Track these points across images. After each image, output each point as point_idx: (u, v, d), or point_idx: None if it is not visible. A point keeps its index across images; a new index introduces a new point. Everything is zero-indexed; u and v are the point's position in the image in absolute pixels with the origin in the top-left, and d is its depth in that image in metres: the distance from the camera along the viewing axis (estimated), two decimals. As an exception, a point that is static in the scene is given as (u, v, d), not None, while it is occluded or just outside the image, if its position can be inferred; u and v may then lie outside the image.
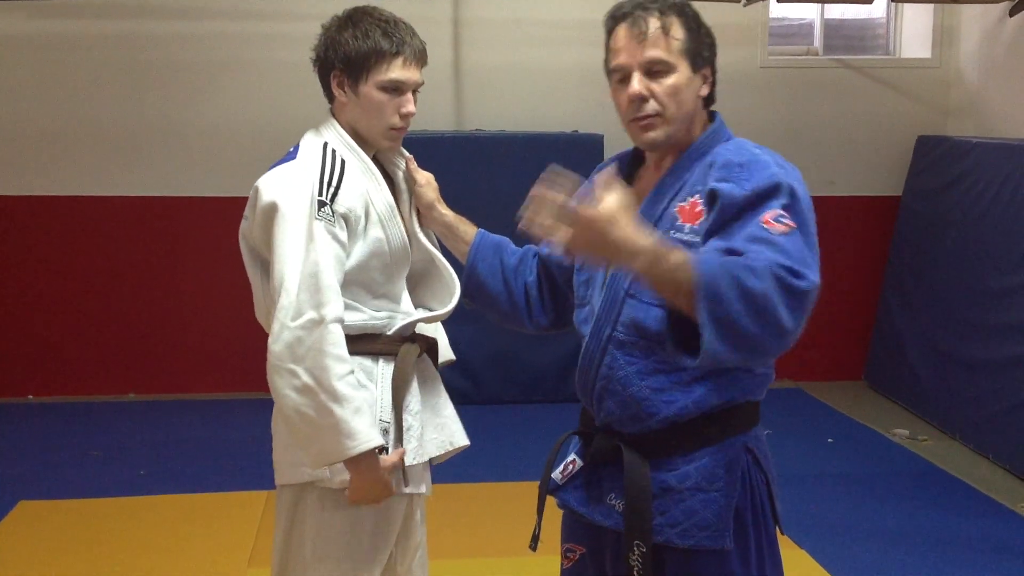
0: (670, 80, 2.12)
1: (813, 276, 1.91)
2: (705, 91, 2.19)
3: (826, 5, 7.10)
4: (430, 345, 2.60)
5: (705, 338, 1.85)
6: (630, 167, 2.34)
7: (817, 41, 7.23)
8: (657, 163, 2.24)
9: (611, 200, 1.86)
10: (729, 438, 2.15)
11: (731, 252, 1.92)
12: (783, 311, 1.86)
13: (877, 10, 7.22)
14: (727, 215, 2.00)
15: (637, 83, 2.12)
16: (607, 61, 2.21)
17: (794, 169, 2.10)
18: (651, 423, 2.15)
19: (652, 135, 2.15)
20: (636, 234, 1.86)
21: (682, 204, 2.11)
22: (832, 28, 7.29)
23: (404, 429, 2.45)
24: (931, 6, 6.88)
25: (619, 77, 2.17)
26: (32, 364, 6.64)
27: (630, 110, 2.15)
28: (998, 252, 5.74)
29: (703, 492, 2.13)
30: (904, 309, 6.66)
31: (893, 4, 7.06)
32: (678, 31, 2.13)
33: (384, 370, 2.44)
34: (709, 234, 2.02)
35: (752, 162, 2.06)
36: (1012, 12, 6.21)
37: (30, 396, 6.61)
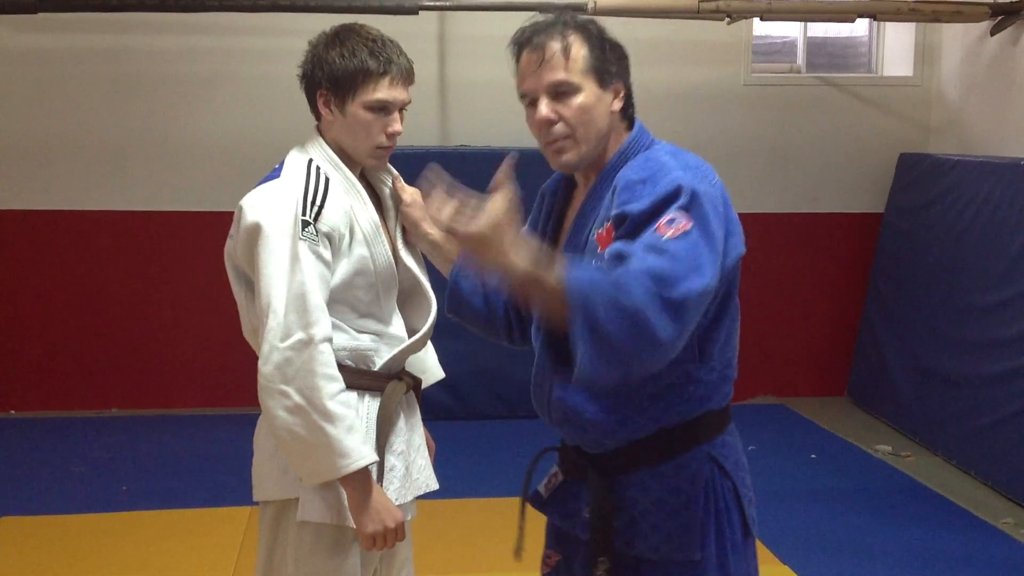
0: (577, 100, 2.12)
1: (692, 283, 1.88)
2: (618, 106, 2.18)
3: (809, 23, 7.14)
4: (415, 383, 2.60)
5: (580, 355, 1.85)
6: (568, 185, 2.34)
7: (800, 59, 7.28)
8: (584, 184, 2.25)
9: (492, 211, 1.85)
10: (693, 448, 2.16)
11: (619, 255, 1.91)
12: (658, 324, 1.83)
13: (859, 28, 7.28)
14: (630, 227, 1.99)
15: (544, 107, 2.12)
16: (517, 86, 2.20)
17: (708, 169, 2.09)
18: (612, 444, 2.16)
19: (565, 158, 2.16)
20: (511, 252, 1.86)
21: (599, 231, 2.10)
22: (815, 46, 7.33)
23: (387, 470, 2.44)
24: (913, 24, 6.93)
25: (527, 102, 2.18)
26: (14, 379, 6.61)
27: (541, 135, 2.16)
28: (980, 269, 5.77)
29: (668, 505, 2.15)
30: (887, 325, 6.68)
31: (875, 22, 7.11)
32: (579, 50, 2.12)
33: (370, 407, 2.43)
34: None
35: (654, 174, 2.04)
36: (993, 31, 6.26)
37: (12, 411, 6.58)
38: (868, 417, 6.72)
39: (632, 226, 1.98)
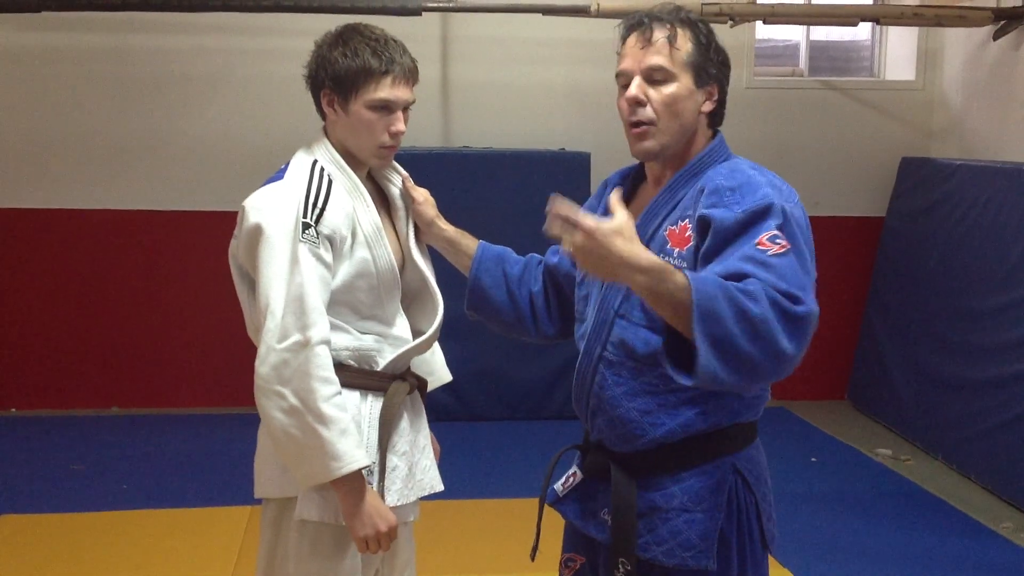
0: (669, 89, 2.14)
1: (810, 301, 1.91)
2: (708, 107, 2.21)
3: (812, 27, 7.15)
4: (420, 384, 2.60)
5: (701, 358, 1.83)
6: (633, 183, 2.35)
7: (803, 62, 7.28)
8: (657, 179, 2.25)
9: (618, 215, 1.86)
10: (717, 459, 2.17)
11: (728, 275, 1.91)
12: (781, 336, 1.85)
13: (862, 32, 7.29)
14: (720, 239, 2.00)
15: (635, 87, 2.15)
16: (617, 66, 2.23)
17: (791, 190, 2.11)
18: (639, 444, 2.17)
19: (646, 144, 2.17)
20: (639, 251, 1.85)
21: (672, 228, 2.12)
22: (818, 49, 7.34)
23: (389, 470, 2.44)
24: (915, 29, 6.93)
25: (623, 82, 2.20)
26: (15, 377, 6.61)
27: (628, 115, 2.18)
28: (980, 273, 5.78)
29: (688, 512, 2.15)
30: (887, 329, 6.69)
31: (878, 26, 7.11)
32: (685, 43, 2.16)
33: (372, 407, 2.43)
34: (705, 259, 2.01)
35: (744, 184, 2.06)
36: (996, 35, 6.27)
37: (12, 409, 6.58)
38: (868, 421, 6.72)
39: (722, 237, 2.00)
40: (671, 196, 2.17)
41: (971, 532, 4.90)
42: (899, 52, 7.24)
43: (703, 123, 2.22)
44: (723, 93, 2.23)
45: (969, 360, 5.76)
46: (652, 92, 2.14)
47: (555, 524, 2.44)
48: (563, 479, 2.38)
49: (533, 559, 2.44)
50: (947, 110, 6.98)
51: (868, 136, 7.07)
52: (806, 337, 1.90)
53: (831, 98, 7.07)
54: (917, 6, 6.43)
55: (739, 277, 1.90)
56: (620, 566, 2.15)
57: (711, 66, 2.19)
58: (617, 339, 2.17)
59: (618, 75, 2.21)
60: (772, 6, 6.25)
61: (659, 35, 2.15)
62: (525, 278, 2.55)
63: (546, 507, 2.40)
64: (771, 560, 4.40)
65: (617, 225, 1.85)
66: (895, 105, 7.10)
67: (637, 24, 2.19)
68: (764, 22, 6.45)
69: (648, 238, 2.14)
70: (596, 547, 2.30)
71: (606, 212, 2.32)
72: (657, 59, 2.14)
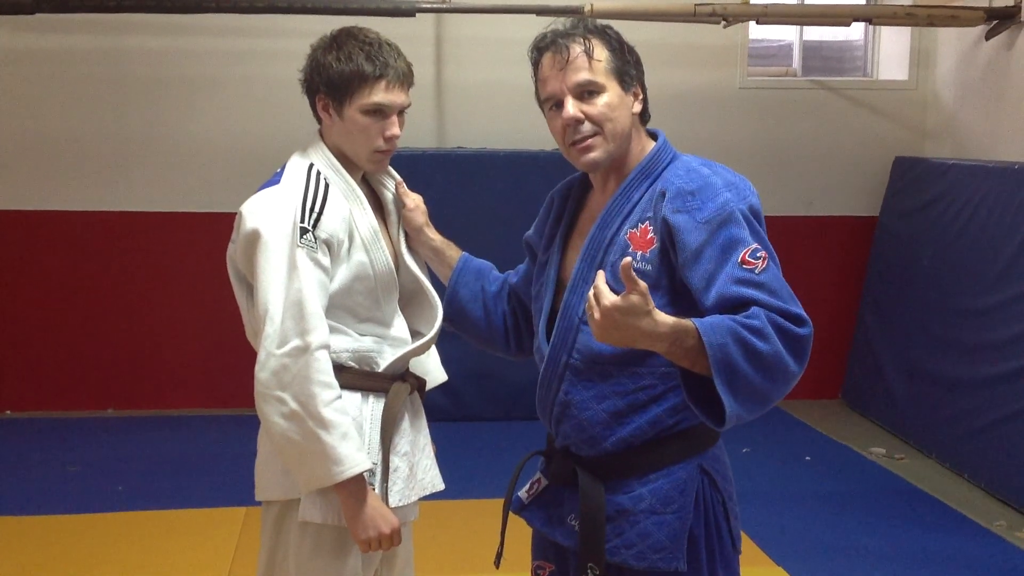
0: (603, 100, 2.16)
1: (805, 316, 1.99)
2: (637, 108, 2.23)
3: (805, 27, 7.17)
4: (419, 384, 2.61)
5: (728, 408, 1.92)
6: (580, 190, 2.37)
7: (796, 62, 7.30)
8: (603, 187, 2.27)
9: (638, 290, 1.89)
10: (684, 460, 2.18)
11: (729, 302, 1.97)
12: (791, 361, 1.95)
13: (855, 32, 7.30)
14: (691, 250, 2.04)
15: (572, 107, 2.16)
16: (537, 92, 2.24)
17: (744, 182, 2.14)
18: (606, 445, 2.17)
19: (592, 156, 2.18)
20: (658, 322, 1.90)
21: (633, 231, 2.13)
22: (811, 50, 7.35)
23: (391, 471, 2.45)
24: (908, 29, 6.95)
25: (551, 105, 2.21)
26: (10, 379, 6.61)
27: (567, 135, 2.18)
28: (974, 272, 5.79)
29: (657, 514, 2.15)
30: (881, 328, 6.70)
31: (871, 26, 7.13)
32: (601, 52, 2.16)
33: (374, 408, 2.44)
34: (686, 271, 2.04)
35: (703, 188, 2.08)
36: (988, 35, 6.29)
37: (8, 411, 6.58)
38: (862, 420, 6.73)
39: (693, 249, 2.03)
40: (626, 200, 2.19)
41: (965, 530, 4.91)
42: (892, 52, 7.26)
43: (636, 123, 2.24)
44: (645, 91, 2.25)
45: (963, 359, 5.77)
46: (587, 107, 2.16)
47: (527, 527, 2.44)
48: (527, 486, 2.39)
49: (498, 566, 2.45)
50: (940, 110, 6.99)
51: (861, 136, 7.08)
52: (809, 352, 1.99)
53: (824, 98, 7.08)
54: (910, 6, 6.46)
55: (742, 303, 1.97)
56: (589, 570, 2.15)
57: (630, 68, 2.20)
58: (583, 345, 2.19)
59: (545, 100, 2.22)
60: (765, 6, 6.26)
61: (575, 51, 2.15)
62: (501, 295, 2.57)
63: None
64: (765, 558, 4.44)
65: (635, 305, 1.88)
66: (888, 105, 7.12)
67: (550, 45, 2.19)
68: (757, 22, 6.47)
69: (606, 243, 2.17)
70: (565, 554, 2.30)
71: (556, 223, 2.35)
72: (583, 75, 2.15)
